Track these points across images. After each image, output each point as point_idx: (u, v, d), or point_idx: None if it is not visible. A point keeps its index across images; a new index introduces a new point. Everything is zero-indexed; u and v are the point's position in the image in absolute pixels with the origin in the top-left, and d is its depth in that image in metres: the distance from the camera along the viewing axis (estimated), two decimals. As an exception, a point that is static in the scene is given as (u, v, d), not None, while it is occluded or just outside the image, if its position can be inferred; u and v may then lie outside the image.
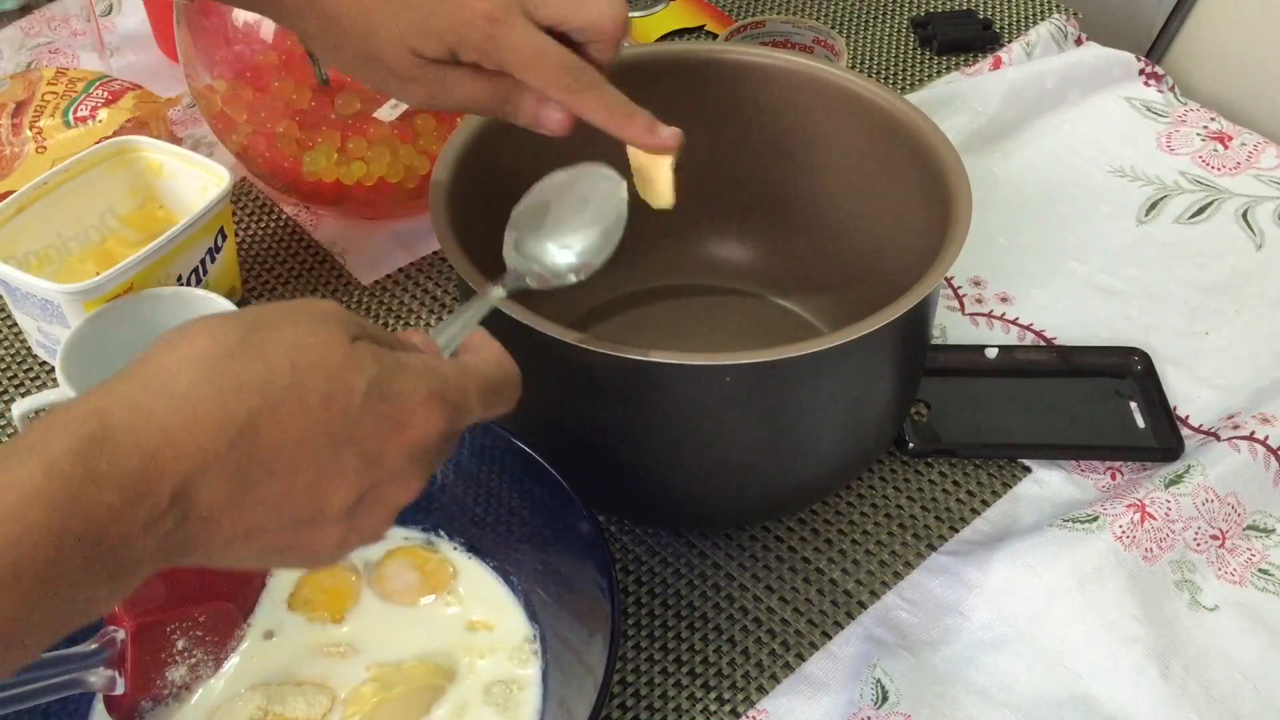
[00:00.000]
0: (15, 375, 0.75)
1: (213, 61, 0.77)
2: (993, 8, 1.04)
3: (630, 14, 1.03)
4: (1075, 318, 0.78)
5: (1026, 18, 1.03)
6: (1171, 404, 0.72)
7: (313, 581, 0.61)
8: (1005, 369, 0.74)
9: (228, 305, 0.69)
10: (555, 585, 0.59)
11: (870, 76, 0.91)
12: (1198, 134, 0.91)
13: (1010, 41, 0.99)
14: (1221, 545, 0.66)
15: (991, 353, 0.74)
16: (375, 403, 0.39)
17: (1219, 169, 0.89)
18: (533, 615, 0.59)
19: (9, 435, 0.72)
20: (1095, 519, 0.65)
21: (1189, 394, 0.73)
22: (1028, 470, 0.70)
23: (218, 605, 0.56)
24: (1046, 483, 0.69)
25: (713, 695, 0.60)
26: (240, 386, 0.37)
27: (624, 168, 0.59)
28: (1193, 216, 0.85)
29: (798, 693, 0.60)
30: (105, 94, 0.83)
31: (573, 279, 0.55)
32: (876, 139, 0.67)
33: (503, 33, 0.53)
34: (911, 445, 0.70)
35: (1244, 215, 0.85)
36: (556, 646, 0.58)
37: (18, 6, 0.90)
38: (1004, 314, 0.79)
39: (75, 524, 0.34)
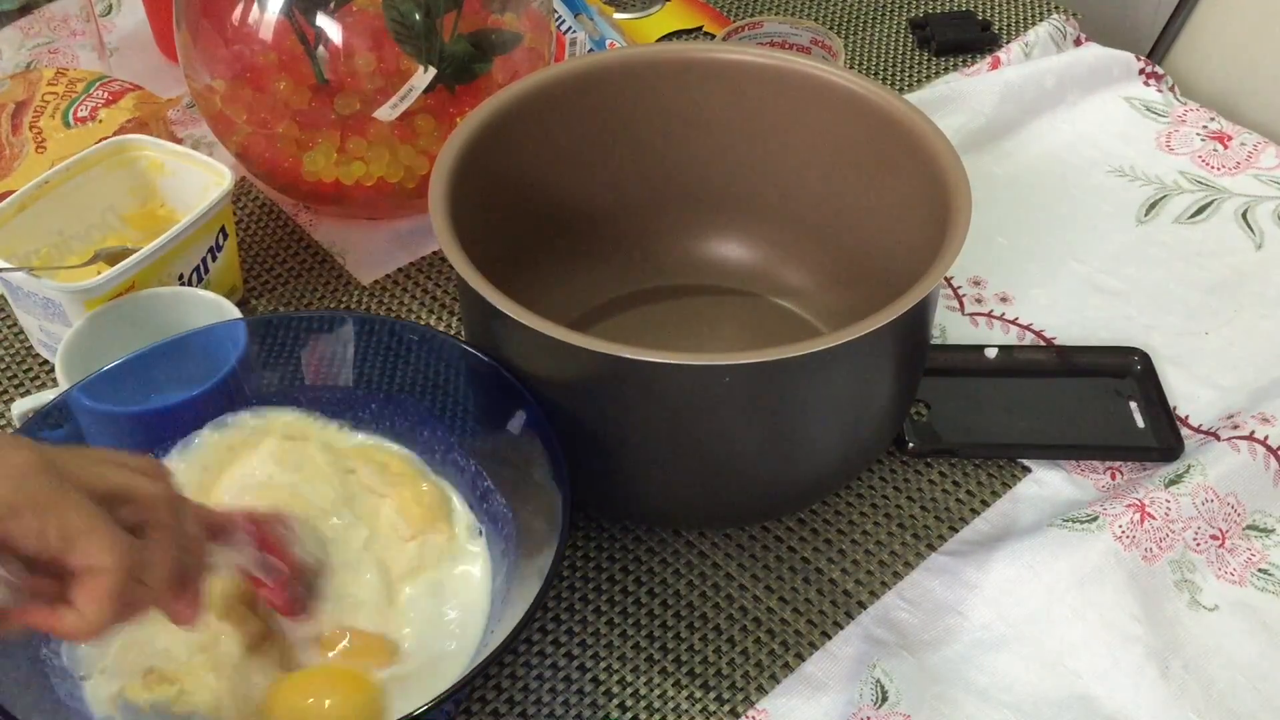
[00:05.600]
0: (15, 375, 0.76)
1: (212, 61, 0.77)
2: (991, 9, 1.04)
3: (628, 15, 1.03)
4: (1075, 318, 0.78)
5: (1025, 19, 1.03)
6: (1171, 404, 0.72)
7: None
8: (1005, 369, 0.74)
9: (228, 305, 0.69)
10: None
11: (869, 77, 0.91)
12: (1197, 134, 0.91)
13: (1009, 42, 0.99)
14: (1221, 545, 0.66)
15: (991, 353, 0.74)
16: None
17: (1219, 169, 0.89)
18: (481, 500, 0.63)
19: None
20: (1095, 519, 0.65)
21: (1189, 394, 0.73)
22: (1027, 470, 0.70)
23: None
24: (1046, 483, 0.69)
25: (712, 695, 0.60)
26: None
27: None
28: (1192, 216, 0.85)
29: (797, 693, 0.60)
30: (105, 94, 0.83)
31: None
32: (875, 139, 0.67)
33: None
34: (911, 445, 0.70)
35: (1244, 215, 0.85)
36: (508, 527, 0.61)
37: (17, 6, 0.90)
38: (1004, 314, 0.79)
39: None
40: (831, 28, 1.03)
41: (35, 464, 0.44)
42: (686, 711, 0.60)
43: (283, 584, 0.56)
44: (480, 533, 0.62)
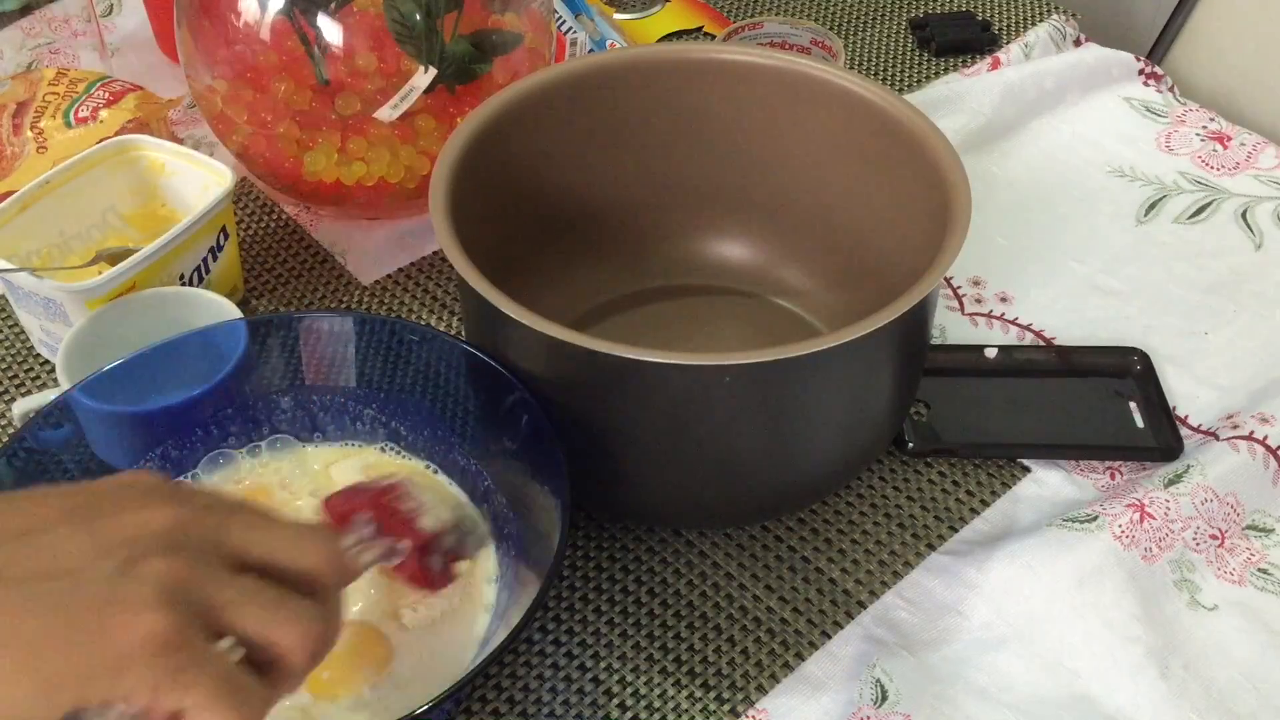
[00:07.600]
0: (16, 375, 0.76)
1: (213, 62, 0.78)
2: (991, 9, 1.05)
3: (628, 15, 1.03)
4: (1075, 318, 0.78)
5: (1025, 19, 1.03)
6: (1171, 404, 0.72)
7: None
8: (1005, 369, 0.74)
9: (229, 305, 0.70)
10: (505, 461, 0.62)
11: (869, 77, 0.91)
12: (1197, 134, 0.91)
13: (1009, 43, 0.99)
14: (1221, 545, 0.66)
15: (991, 353, 0.74)
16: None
17: (1218, 169, 0.89)
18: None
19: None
20: (1095, 519, 0.65)
21: (1188, 394, 0.74)
22: (1027, 470, 0.70)
23: None
24: (1046, 482, 0.69)
25: (712, 695, 0.60)
26: None
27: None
28: (1192, 217, 0.86)
29: (797, 692, 0.60)
30: (106, 95, 0.83)
31: None
32: (875, 139, 0.67)
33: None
34: (911, 445, 0.70)
35: (1243, 215, 0.85)
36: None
37: (18, 7, 0.90)
38: (1003, 314, 0.79)
39: None
40: (831, 28, 1.03)
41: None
42: (686, 711, 0.60)
43: (414, 560, 0.53)
44: (498, 580, 0.61)
